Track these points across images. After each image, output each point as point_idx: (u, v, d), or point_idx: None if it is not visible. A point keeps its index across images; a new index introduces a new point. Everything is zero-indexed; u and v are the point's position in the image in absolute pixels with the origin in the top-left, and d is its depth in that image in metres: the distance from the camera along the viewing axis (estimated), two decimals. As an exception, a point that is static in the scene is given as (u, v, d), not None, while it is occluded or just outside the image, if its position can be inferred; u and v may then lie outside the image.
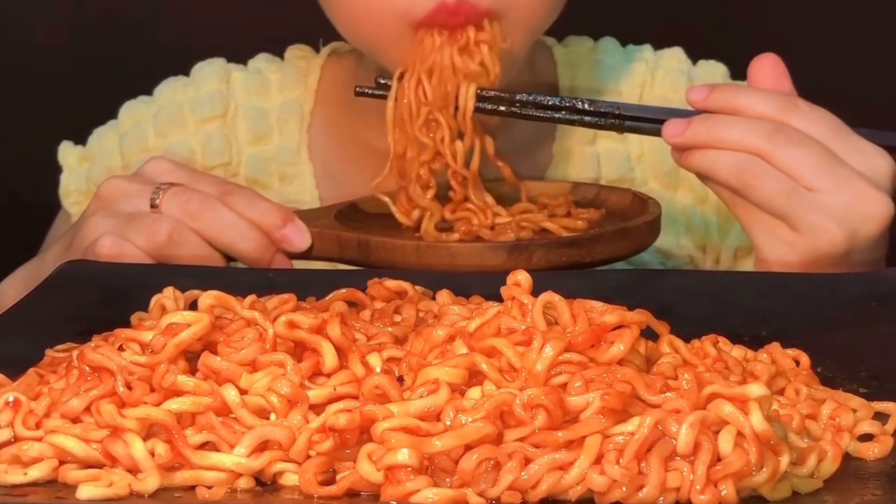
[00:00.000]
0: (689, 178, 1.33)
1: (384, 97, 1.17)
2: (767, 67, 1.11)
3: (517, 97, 1.16)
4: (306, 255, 1.13)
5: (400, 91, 1.16)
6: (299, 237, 1.12)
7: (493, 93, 1.15)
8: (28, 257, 1.26)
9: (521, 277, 0.84)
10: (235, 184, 1.18)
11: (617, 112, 1.14)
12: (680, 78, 1.33)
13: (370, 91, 1.19)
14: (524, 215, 1.17)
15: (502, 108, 1.16)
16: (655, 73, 1.34)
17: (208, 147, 1.34)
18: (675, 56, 1.36)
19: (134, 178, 1.15)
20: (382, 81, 1.17)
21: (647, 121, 1.13)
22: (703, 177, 1.09)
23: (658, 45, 1.38)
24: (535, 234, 1.14)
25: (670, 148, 1.32)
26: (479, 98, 1.15)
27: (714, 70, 1.35)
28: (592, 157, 1.33)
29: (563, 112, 1.15)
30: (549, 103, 1.15)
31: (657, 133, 1.10)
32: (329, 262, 1.15)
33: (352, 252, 1.12)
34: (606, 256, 1.10)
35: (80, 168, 1.36)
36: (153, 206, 1.11)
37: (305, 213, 1.15)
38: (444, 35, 1.15)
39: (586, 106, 1.14)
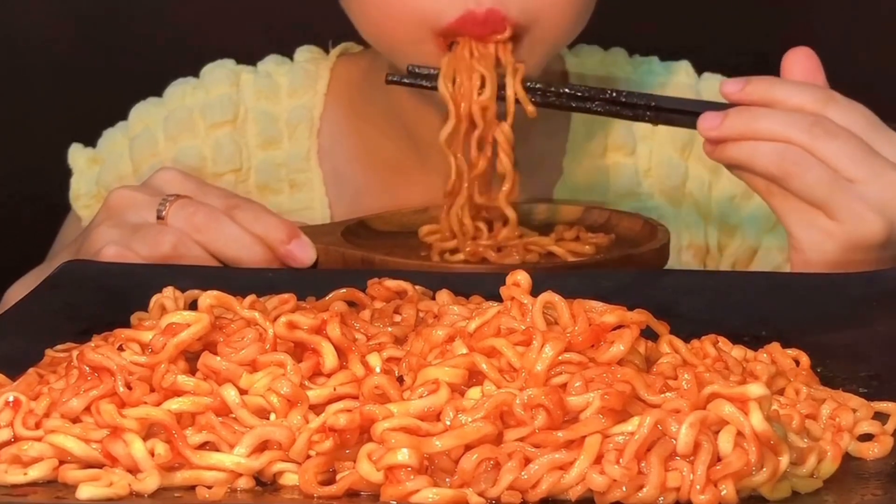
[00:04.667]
0: (694, 194, 1.33)
1: (415, 86, 1.17)
2: (802, 60, 1.10)
3: (551, 88, 1.16)
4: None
5: (455, 101, 1.15)
6: (304, 253, 1.12)
7: (528, 84, 1.15)
8: (38, 260, 1.26)
9: (521, 277, 0.84)
10: (243, 198, 1.18)
11: (652, 104, 1.14)
12: (687, 93, 1.33)
13: (404, 80, 1.18)
14: (531, 238, 1.17)
15: (538, 98, 1.16)
16: (665, 89, 1.33)
17: (219, 153, 1.33)
18: (682, 70, 1.36)
19: (142, 189, 1.15)
20: (417, 71, 1.17)
21: (681, 113, 1.13)
22: (739, 168, 1.09)
23: (662, 56, 1.38)
24: (540, 258, 1.14)
25: (677, 163, 1.33)
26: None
27: (718, 84, 1.35)
28: (602, 170, 1.33)
29: (600, 103, 1.15)
30: (585, 94, 1.15)
31: (692, 125, 1.09)
32: None
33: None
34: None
35: (89, 171, 1.36)
36: (160, 217, 1.11)
37: (312, 229, 1.16)
38: (472, 45, 1.15)
39: (622, 98, 1.14)
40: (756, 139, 1.06)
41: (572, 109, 1.18)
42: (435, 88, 1.15)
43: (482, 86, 1.14)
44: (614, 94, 1.14)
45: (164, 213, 1.11)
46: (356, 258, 1.12)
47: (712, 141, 1.09)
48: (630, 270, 1.10)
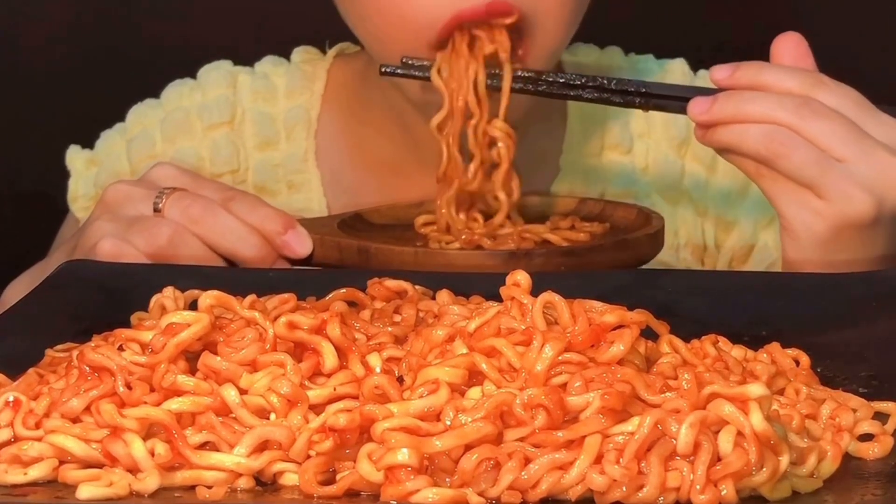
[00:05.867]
0: (691, 192, 1.33)
1: (408, 76, 1.17)
2: (791, 45, 1.11)
3: (542, 76, 1.16)
4: (307, 261, 1.13)
5: (450, 96, 1.16)
6: (300, 243, 1.12)
7: (520, 73, 1.16)
8: (37, 261, 1.26)
9: (521, 277, 0.84)
10: (239, 190, 1.18)
11: (643, 91, 1.14)
12: None
13: (398, 71, 1.18)
14: (526, 226, 1.17)
15: (529, 86, 1.16)
16: None
17: (216, 154, 1.34)
18: (678, 68, 1.36)
19: (138, 183, 1.15)
20: (410, 62, 1.17)
21: (672, 99, 1.13)
22: (728, 151, 1.09)
23: (658, 55, 1.38)
24: (536, 245, 1.15)
25: (674, 161, 1.33)
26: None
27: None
28: (598, 169, 1.34)
29: (590, 90, 1.15)
30: (577, 82, 1.16)
31: (682, 111, 1.10)
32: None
33: (352, 258, 1.12)
34: (605, 268, 1.10)
35: (87, 173, 1.36)
36: (156, 210, 1.11)
37: (309, 222, 1.16)
38: (468, 42, 1.15)
39: (613, 85, 1.15)
40: (745, 122, 1.07)
41: (562, 97, 1.18)
42: (427, 79, 1.15)
43: (476, 78, 1.15)
44: (604, 81, 1.15)
45: (160, 205, 1.11)
46: (352, 247, 1.12)
47: (702, 125, 1.09)
48: (628, 270, 1.10)
